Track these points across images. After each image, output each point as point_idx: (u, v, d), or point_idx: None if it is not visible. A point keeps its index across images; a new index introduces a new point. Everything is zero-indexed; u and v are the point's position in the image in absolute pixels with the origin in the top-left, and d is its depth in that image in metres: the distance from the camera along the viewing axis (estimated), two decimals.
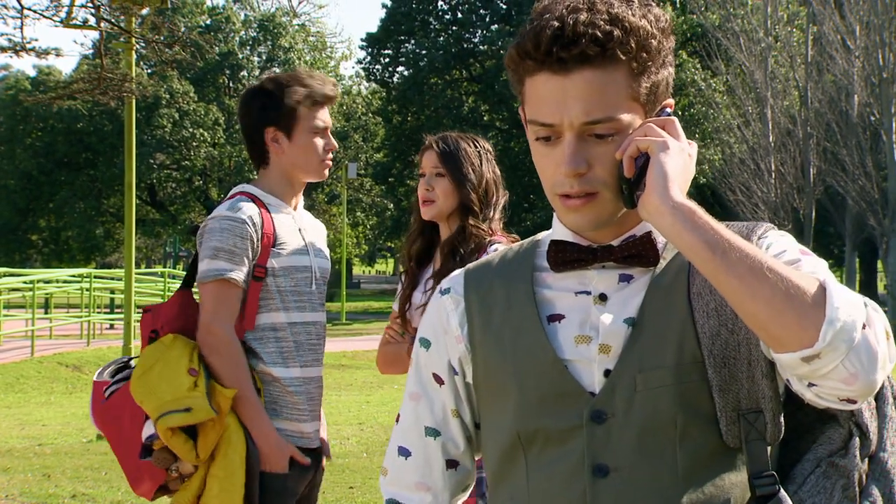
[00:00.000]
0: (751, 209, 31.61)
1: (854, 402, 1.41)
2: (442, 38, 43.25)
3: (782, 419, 1.52)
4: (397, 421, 1.77)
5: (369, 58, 45.22)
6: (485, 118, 42.26)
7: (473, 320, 1.67)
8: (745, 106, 32.53)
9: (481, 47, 42.88)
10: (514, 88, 1.59)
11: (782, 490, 1.49)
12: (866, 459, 1.56)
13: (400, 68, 44.88)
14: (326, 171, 3.44)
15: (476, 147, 3.51)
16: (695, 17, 37.68)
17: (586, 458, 1.54)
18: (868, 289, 48.88)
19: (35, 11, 9.27)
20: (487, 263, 1.73)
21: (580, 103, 1.49)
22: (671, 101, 1.58)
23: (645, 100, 1.53)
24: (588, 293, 1.59)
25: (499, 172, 3.57)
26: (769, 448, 1.52)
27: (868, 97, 28.90)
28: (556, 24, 1.48)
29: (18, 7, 9.17)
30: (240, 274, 3.24)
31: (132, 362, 3.39)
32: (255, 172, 3.45)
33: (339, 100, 50.87)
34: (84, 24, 10.13)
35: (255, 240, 3.26)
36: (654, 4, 1.55)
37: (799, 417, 1.55)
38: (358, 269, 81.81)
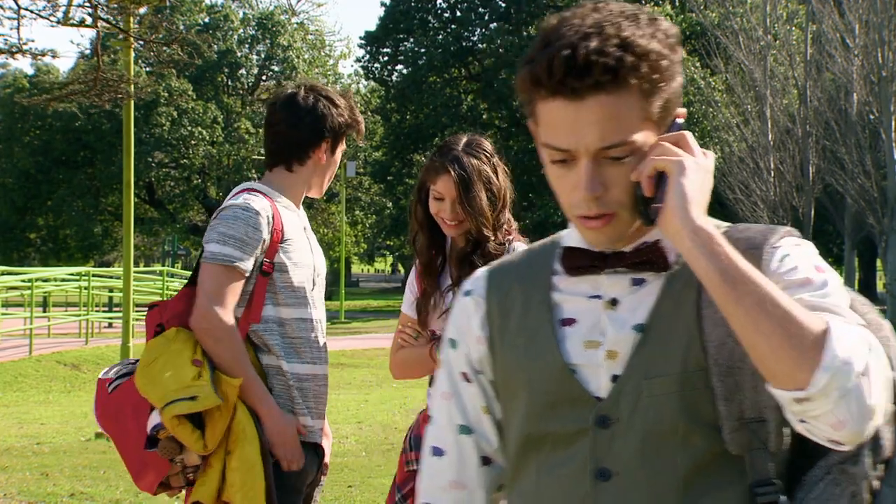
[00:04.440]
0: (750, 208, 31.62)
1: (842, 444, 1.42)
2: (441, 37, 43.24)
3: (786, 429, 1.51)
4: (429, 423, 1.78)
5: (368, 56, 45.22)
6: (483, 117, 42.24)
7: (493, 323, 1.70)
8: (744, 104, 32.55)
9: (480, 45, 42.87)
10: (524, 109, 1.59)
11: (783, 498, 1.50)
12: (881, 465, 1.56)
13: (399, 66, 44.87)
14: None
15: (489, 160, 3.42)
16: (694, 15, 37.68)
17: (590, 462, 1.55)
18: (867, 287, 48.92)
19: (32, 11, 9.24)
20: (508, 264, 1.75)
21: (595, 129, 1.49)
22: (682, 110, 1.58)
23: (657, 117, 1.54)
24: (599, 297, 1.60)
25: (506, 170, 3.52)
26: (773, 457, 1.52)
27: (867, 96, 28.91)
28: (567, 52, 1.47)
29: (15, 7, 9.14)
30: (247, 264, 3.27)
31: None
32: (258, 169, 3.52)
33: None
34: (81, 24, 10.10)
35: (267, 233, 3.31)
36: (660, 18, 1.55)
37: None
38: (357, 268, 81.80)
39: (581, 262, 1.61)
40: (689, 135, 1.54)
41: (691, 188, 1.49)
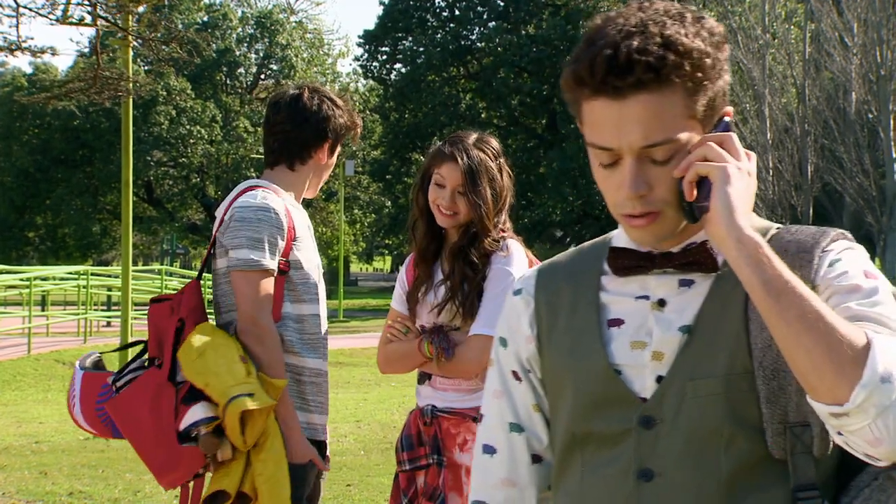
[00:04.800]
0: None
1: (879, 460, 1.42)
2: (439, 36, 43.21)
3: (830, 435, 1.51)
4: (480, 421, 1.80)
5: (367, 55, 45.18)
6: (482, 115, 42.22)
7: (542, 322, 1.71)
8: (742, 103, 32.56)
9: (479, 44, 42.84)
10: (570, 109, 1.60)
11: (826, 503, 1.50)
12: None
13: (397, 65, 44.85)
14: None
15: (496, 159, 3.45)
16: None
17: (633, 462, 1.56)
18: None
19: (31, 9, 9.25)
20: (558, 263, 1.76)
21: (638, 128, 1.49)
22: (729, 108, 1.58)
23: (702, 116, 1.53)
24: (647, 298, 1.61)
25: (510, 174, 3.53)
26: (818, 462, 1.51)
27: (866, 94, 28.92)
28: (609, 51, 1.48)
29: (14, 5, 9.14)
30: (275, 264, 3.36)
31: (102, 357, 3.50)
32: (257, 167, 3.58)
33: None
34: (80, 22, 10.10)
35: (285, 232, 3.38)
36: (707, 17, 1.55)
37: None
38: (355, 267, 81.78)
39: (628, 263, 1.61)
40: (734, 136, 1.54)
41: (736, 195, 1.48)
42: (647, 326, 1.59)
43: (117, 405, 3.28)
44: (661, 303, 1.59)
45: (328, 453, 3.57)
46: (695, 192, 1.51)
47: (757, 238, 1.45)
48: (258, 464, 3.21)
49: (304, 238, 3.47)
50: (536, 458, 1.74)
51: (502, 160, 3.49)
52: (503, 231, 3.45)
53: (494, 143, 3.52)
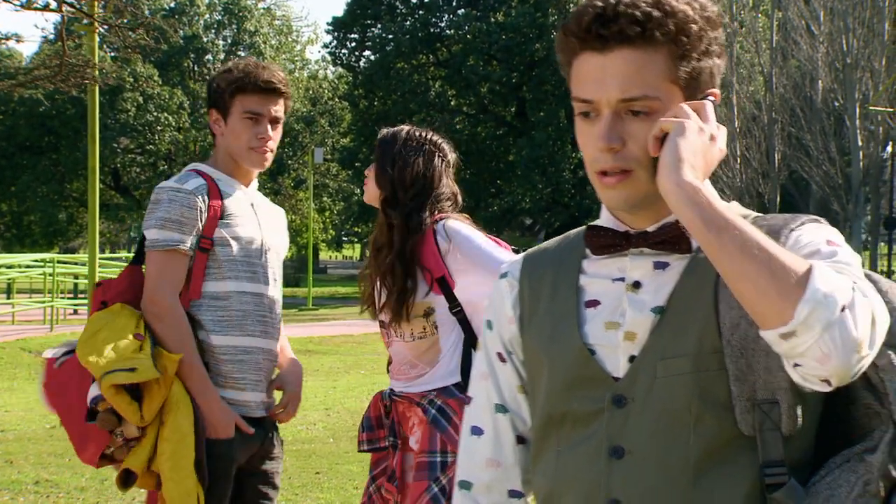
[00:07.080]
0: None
1: (831, 383, 1.42)
2: (408, 23, 43.14)
3: (799, 411, 1.53)
4: (468, 403, 1.84)
5: (335, 42, 45.06)
6: (451, 103, 42.20)
7: (524, 305, 1.75)
8: None
9: (448, 32, 42.79)
10: (562, 71, 1.65)
11: (793, 480, 1.52)
12: None
13: (366, 52, 44.76)
14: (259, 159, 3.48)
15: (420, 141, 3.43)
16: None
17: (605, 440, 1.60)
18: None
19: None
20: (545, 249, 1.80)
21: (617, 80, 1.54)
22: (717, 91, 1.61)
23: (685, 84, 1.57)
24: (623, 280, 1.64)
25: (442, 168, 3.45)
26: (788, 441, 1.53)
27: (832, 82, 29.14)
28: (599, 3, 1.55)
29: None
30: (188, 243, 3.33)
31: None
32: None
33: (305, 84, 50.64)
34: (45, 8, 10.01)
35: (203, 210, 3.34)
36: None
37: (854, 414, 1.58)
38: (325, 255, 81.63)
39: (605, 241, 1.64)
40: (708, 104, 1.57)
41: (686, 148, 1.49)
42: (622, 308, 1.62)
43: (51, 384, 3.33)
44: (636, 285, 1.62)
45: (278, 431, 3.53)
46: (659, 148, 1.53)
47: (697, 183, 1.47)
48: (160, 442, 3.20)
49: (238, 216, 3.40)
50: (521, 440, 1.78)
51: (438, 152, 3.45)
52: (442, 211, 3.40)
53: (433, 136, 3.48)
